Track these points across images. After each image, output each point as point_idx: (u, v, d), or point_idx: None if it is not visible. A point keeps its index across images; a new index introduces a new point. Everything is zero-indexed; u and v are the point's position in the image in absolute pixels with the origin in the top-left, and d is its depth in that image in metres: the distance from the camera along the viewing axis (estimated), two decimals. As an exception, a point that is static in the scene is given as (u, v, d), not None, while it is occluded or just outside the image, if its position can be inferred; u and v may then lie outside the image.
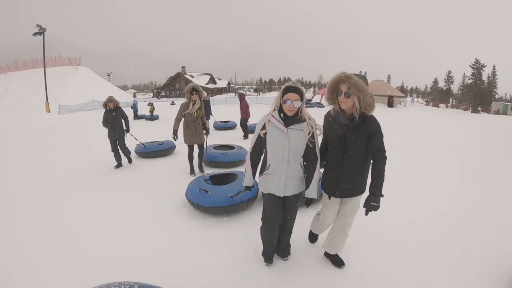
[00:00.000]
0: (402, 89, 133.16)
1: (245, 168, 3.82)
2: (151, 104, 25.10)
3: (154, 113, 24.93)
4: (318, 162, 3.57)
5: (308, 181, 3.60)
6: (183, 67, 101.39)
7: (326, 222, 3.94)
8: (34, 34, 36.69)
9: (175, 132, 7.55)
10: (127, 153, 9.10)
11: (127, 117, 9.01)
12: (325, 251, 4.10)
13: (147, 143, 10.57)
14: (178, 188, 6.60)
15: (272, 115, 3.46)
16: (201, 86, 7.82)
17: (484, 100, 64.09)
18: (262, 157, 3.74)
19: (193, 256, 4.28)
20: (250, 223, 5.12)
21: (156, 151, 10.13)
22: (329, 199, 3.68)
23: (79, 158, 10.13)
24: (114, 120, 8.58)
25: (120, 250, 4.40)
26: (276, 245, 4.08)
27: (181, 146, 9.29)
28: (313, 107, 38.00)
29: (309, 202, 3.71)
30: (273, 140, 3.44)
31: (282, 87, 3.41)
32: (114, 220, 5.37)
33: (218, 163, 8.55)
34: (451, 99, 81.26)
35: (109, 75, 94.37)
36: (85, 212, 5.69)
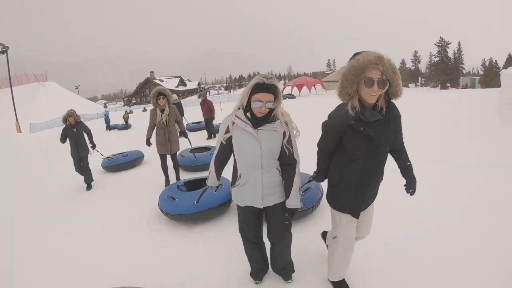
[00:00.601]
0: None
1: (209, 171, 3.26)
2: (126, 112, 24.75)
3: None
4: (298, 165, 2.97)
5: (287, 189, 2.95)
6: (151, 72, 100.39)
7: (348, 243, 3.08)
8: (-4, 53, 35.87)
9: (147, 141, 7.13)
10: (88, 176, 8.10)
11: (90, 131, 8.17)
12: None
13: (112, 155, 10.04)
14: (155, 197, 6.12)
15: (236, 115, 2.84)
16: (171, 89, 7.17)
17: (452, 76, 65.58)
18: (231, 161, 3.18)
19: (177, 264, 4.20)
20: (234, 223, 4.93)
21: (122, 163, 9.55)
22: (358, 218, 2.92)
23: (53, 178, 9.81)
24: (76, 136, 7.77)
25: (102, 264, 4.41)
26: (262, 261, 3.53)
27: (151, 154, 9.17)
28: (285, 98, 37.36)
29: (292, 214, 3.07)
30: (241, 145, 2.86)
31: (251, 82, 2.72)
32: (90, 236, 5.34)
33: (204, 166, 8.09)
34: (420, 78, 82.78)
35: (77, 87, 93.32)
36: (61, 232, 5.67)
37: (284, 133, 2.83)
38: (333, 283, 3.37)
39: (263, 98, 2.65)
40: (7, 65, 36.63)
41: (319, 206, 5.19)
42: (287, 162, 2.93)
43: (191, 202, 5.05)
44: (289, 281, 3.46)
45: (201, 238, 4.81)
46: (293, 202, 2.94)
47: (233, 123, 2.85)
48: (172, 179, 7.45)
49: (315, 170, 3.13)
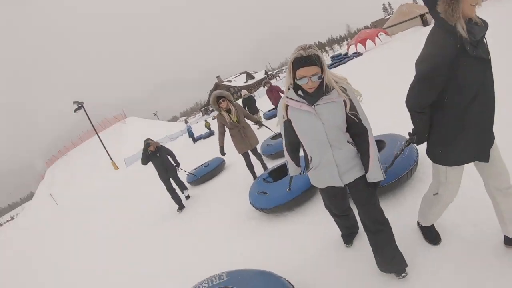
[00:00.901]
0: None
1: (286, 161, 3.21)
2: (205, 121, 26.11)
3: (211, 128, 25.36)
4: (370, 132, 2.60)
5: (365, 161, 2.65)
6: (217, 77, 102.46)
7: (451, 199, 2.74)
8: (75, 110, 39.26)
9: (221, 149, 7.06)
10: (183, 186, 8.74)
11: (172, 152, 8.49)
12: (507, 236, 2.71)
13: (195, 169, 10.36)
14: (246, 196, 6.12)
15: (288, 97, 2.62)
16: (241, 86, 6.91)
17: None
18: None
19: (280, 241, 4.51)
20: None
21: (206, 174, 9.76)
22: (488, 161, 2.41)
23: (158, 198, 10.42)
24: (162, 160, 8.14)
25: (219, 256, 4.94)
26: (351, 226, 3.60)
27: (230, 157, 9.34)
28: (352, 59, 35.63)
29: (375, 187, 2.77)
30: (301, 126, 2.65)
31: (290, 58, 2.43)
32: (200, 238, 5.94)
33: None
34: None
35: (155, 114, 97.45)
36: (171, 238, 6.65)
37: (345, 102, 2.50)
38: (423, 227, 3.22)
39: (306, 72, 2.36)
40: (87, 117, 39.78)
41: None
42: (357, 132, 2.62)
43: (283, 191, 4.96)
44: (403, 274, 2.87)
45: (294, 217, 5.01)
46: (375, 175, 2.63)
47: (287, 106, 2.65)
48: (258, 172, 7.39)
49: (411, 131, 2.62)
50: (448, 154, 2.46)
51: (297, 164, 3.14)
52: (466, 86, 2.16)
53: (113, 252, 7.66)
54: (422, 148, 2.86)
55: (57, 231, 16.63)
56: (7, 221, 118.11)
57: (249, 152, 7.10)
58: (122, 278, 5.91)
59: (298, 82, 2.43)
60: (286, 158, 3.13)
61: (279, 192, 5.02)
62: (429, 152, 2.61)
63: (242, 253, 4.60)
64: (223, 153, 7.11)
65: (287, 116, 2.68)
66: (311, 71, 2.35)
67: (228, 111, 6.71)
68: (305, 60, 2.33)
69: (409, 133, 2.65)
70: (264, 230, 5.04)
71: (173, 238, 6.57)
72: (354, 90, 2.56)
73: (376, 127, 3.94)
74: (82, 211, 18.42)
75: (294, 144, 2.93)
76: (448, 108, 2.29)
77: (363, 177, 2.72)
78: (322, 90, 2.49)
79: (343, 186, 2.77)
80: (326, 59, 42.41)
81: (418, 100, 2.36)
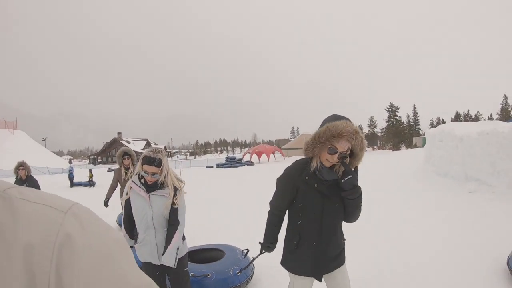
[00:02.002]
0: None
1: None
2: (90, 170, 25.04)
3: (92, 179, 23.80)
4: (180, 227, 3.12)
5: (166, 246, 3.05)
6: (119, 133, 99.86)
7: None
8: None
9: (106, 202, 6.93)
10: None
11: (40, 189, 5.70)
12: None
13: None
14: None
15: (132, 180, 3.14)
16: (137, 151, 6.21)
17: (404, 138, 69.27)
18: None
19: None
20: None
21: None
22: (320, 281, 2.68)
23: None
24: None
25: None
26: None
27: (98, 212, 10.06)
28: (243, 165, 38.39)
29: (188, 275, 3.39)
30: (136, 207, 3.10)
31: (142, 155, 3.03)
32: None
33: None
34: (378, 141, 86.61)
35: (44, 140, 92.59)
36: None
37: (173, 199, 3.09)
38: None
39: (148, 169, 2.95)
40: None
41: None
42: (171, 222, 3.12)
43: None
44: None
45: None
46: (167, 259, 3.01)
47: (131, 187, 3.13)
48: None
49: (261, 240, 2.86)
50: (293, 264, 2.67)
51: (131, 237, 3.33)
52: (304, 208, 2.55)
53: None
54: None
55: None
56: None
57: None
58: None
59: (141, 173, 3.02)
60: (123, 229, 3.38)
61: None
62: (283, 260, 2.77)
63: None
64: (106, 205, 6.99)
65: (129, 195, 3.14)
66: (152, 169, 2.95)
67: (127, 169, 6.87)
68: (150, 160, 2.95)
69: (260, 242, 2.88)
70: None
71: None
72: (182, 194, 3.20)
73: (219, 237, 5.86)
74: None
75: (130, 218, 3.23)
76: (294, 221, 2.65)
77: (180, 261, 3.18)
78: (158, 184, 3.07)
79: (159, 264, 3.12)
80: (222, 158, 44.07)
81: (272, 201, 2.77)
